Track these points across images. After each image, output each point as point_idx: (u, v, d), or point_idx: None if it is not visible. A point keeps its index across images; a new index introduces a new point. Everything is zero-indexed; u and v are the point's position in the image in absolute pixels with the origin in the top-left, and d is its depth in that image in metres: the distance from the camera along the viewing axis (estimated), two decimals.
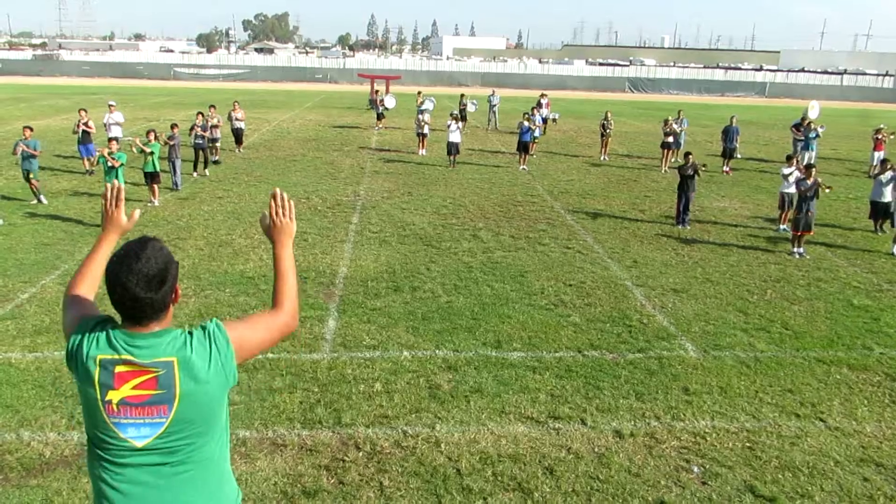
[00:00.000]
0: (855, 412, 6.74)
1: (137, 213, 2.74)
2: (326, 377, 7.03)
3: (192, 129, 17.72)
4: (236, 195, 15.64)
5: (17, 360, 7.18)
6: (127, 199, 11.57)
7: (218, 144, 19.42)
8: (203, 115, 18.06)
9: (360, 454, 5.74)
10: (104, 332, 2.26)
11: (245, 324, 2.43)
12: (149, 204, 14.07)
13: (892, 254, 12.54)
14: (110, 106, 19.23)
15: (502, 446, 5.93)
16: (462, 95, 31.87)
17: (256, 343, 2.42)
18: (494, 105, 30.81)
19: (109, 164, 12.68)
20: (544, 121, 29.52)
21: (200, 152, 17.69)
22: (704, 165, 14.33)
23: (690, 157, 13.80)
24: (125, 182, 13.34)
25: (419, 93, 31.27)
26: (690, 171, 13.55)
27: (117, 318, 2.33)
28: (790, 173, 13.16)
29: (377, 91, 36.01)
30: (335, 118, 33.78)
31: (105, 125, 18.74)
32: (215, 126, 18.73)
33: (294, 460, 5.63)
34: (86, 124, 17.25)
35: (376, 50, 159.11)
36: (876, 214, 13.86)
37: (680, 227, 13.85)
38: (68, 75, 64.76)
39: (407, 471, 5.54)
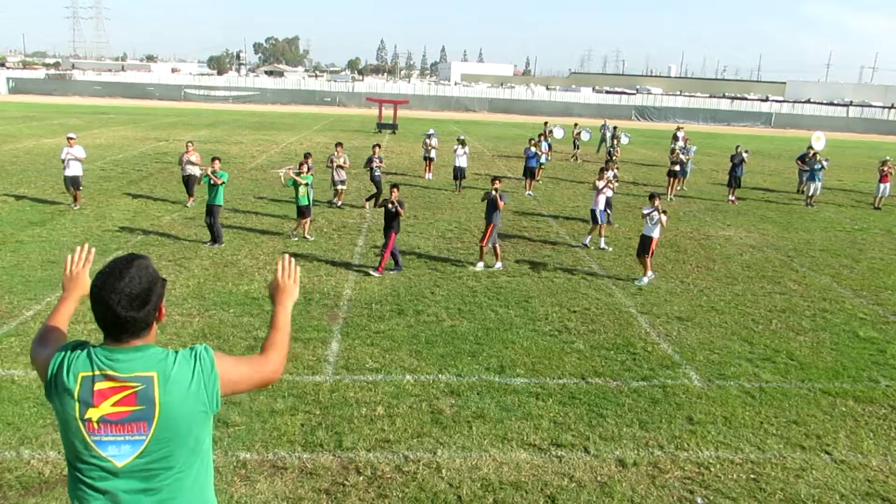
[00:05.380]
0: (861, 445, 6.67)
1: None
2: (328, 400, 7.01)
3: (369, 161, 17.48)
4: (242, 215, 15.72)
5: (20, 378, 7.18)
6: (272, 233, 12.55)
7: (343, 187, 17.42)
8: (379, 147, 17.81)
9: (361, 478, 5.70)
10: (84, 351, 2.30)
11: (232, 359, 2.47)
12: (307, 238, 13.74)
13: (586, 245, 14.18)
14: (69, 139, 15.83)
15: (504, 473, 5.88)
16: (575, 124, 31.95)
17: (237, 378, 2.43)
18: (610, 134, 30.03)
19: (213, 181, 12.74)
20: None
21: (374, 185, 17.54)
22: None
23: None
24: (223, 203, 13.24)
25: (546, 123, 31.77)
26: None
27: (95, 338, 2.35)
28: (603, 187, 13.87)
29: (546, 122, 32.70)
30: (344, 141, 33.96)
31: (63, 160, 15.62)
32: (340, 167, 16.97)
33: (294, 483, 5.59)
34: None
35: (385, 74, 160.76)
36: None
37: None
38: (80, 95, 65.53)
39: (407, 496, 5.49)
